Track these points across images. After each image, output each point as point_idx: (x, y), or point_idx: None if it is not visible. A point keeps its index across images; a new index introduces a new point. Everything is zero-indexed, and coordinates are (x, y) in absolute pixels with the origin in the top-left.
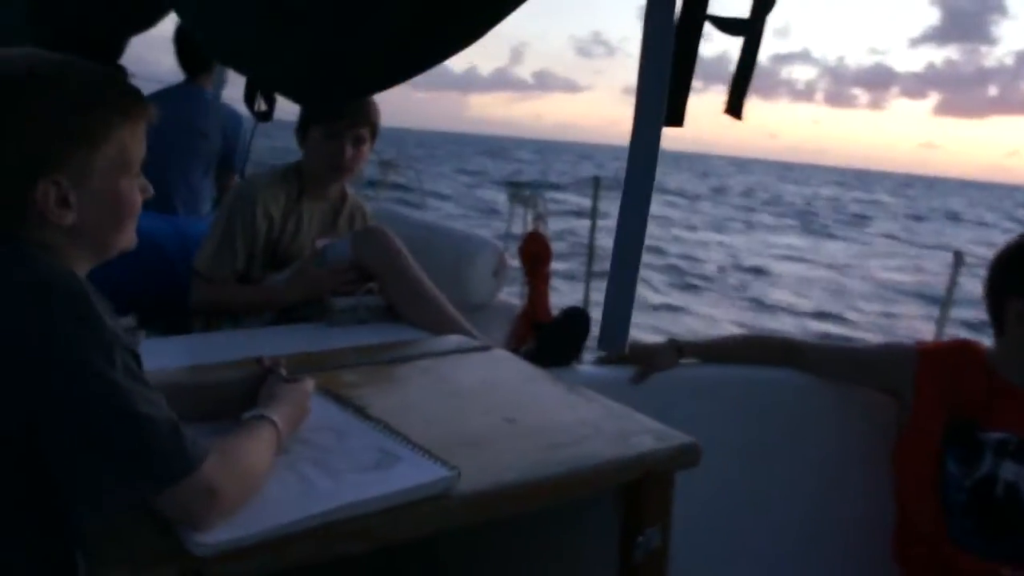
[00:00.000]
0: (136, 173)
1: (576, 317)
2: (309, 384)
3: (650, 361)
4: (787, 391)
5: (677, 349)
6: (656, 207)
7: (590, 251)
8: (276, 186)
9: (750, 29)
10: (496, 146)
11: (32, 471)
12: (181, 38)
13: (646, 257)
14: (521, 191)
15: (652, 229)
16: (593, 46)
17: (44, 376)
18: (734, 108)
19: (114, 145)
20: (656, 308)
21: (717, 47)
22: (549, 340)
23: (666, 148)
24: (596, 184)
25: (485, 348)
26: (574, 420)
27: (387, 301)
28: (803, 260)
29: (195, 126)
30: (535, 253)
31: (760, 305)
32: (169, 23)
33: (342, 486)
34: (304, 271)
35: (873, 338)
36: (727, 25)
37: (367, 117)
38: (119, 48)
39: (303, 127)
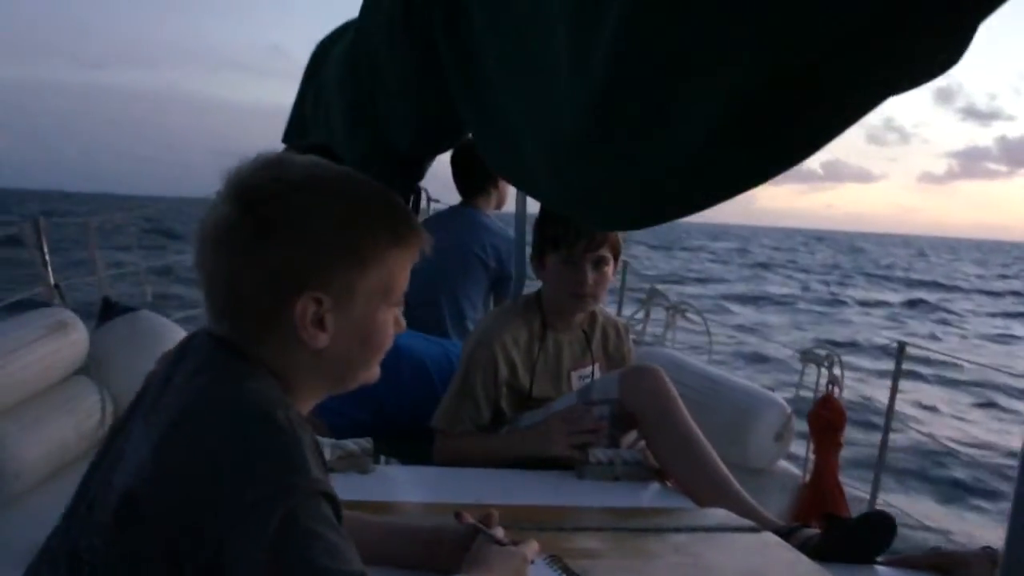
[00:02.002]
0: (396, 303)
1: (881, 524)
2: (530, 550)
3: (958, 572)
4: None
5: (993, 560)
6: None
7: (886, 426)
8: (516, 325)
9: None
10: (781, 239)
11: None
12: (459, 160)
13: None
14: (816, 352)
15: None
16: (886, 133)
17: (234, 514)
18: None
19: (381, 269)
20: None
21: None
22: (840, 540)
23: (955, 234)
24: (900, 352)
25: (754, 530)
26: None
27: (651, 452)
28: None
29: (469, 249)
30: (827, 420)
31: None
32: None
33: None
34: (558, 428)
35: None
36: None
37: (606, 236)
38: (423, 168)
39: (539, 255)
